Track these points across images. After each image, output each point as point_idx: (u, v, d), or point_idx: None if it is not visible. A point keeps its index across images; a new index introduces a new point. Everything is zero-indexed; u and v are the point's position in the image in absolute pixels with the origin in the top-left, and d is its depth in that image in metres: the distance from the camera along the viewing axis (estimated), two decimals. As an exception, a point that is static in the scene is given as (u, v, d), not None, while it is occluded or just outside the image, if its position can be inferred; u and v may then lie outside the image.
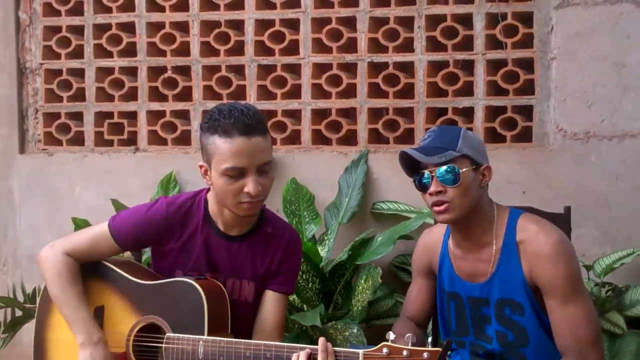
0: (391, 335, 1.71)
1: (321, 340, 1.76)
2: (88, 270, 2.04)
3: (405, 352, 1.67)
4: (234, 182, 1.90)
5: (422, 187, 1.98)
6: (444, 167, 1.94)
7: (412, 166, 2.00)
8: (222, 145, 1.89)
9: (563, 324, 1.91)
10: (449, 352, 2.16)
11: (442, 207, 1.96)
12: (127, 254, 2.50)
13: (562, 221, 2.30)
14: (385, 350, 1.69)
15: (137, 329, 1.98)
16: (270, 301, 2.05)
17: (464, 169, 1.95)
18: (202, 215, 2.04)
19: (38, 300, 2.10)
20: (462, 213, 1.96)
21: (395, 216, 3.05)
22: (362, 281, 2.84)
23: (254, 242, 2.05)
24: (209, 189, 2.05)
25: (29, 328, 2.16)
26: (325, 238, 3.02)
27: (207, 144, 1.93)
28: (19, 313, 2.98)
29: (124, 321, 1.99)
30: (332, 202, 3.11)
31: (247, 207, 1.93)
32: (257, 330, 2.04)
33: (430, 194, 1.96)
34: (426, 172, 1.96)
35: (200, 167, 1.99)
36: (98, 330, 1.96)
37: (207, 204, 2.05)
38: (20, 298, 3.01)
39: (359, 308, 2.80)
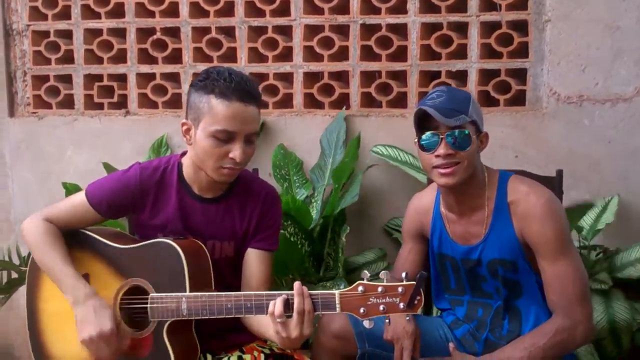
0: (366, 274, 1.73)
1: (296, 284, 1.76)
2: (70, 240, 2.04)
3: (380, 289, 1.69)
4: (221, 145, 1.89)
5: (426, 148, 1.97)
6: (458, 131, 1.93)
7: (420, 124, 1.98)
8: (218, 107, 1.88)
9: (552, 281, 1.94)
10: (441, 309, 2.22)
11: (449, 170, 1.95)
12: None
13: (553, 184, 2.32)
14: (360, 288, 1.70)
15: (122, 292, 1.98)
16: (254, 259, 2.05)
17: (473, 135, 1.96)
18: (177, 180, 2.03)
19: (27, 270, 2.11)
20: (465, 177, 1.98)
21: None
22: (343, 239, 2.85)
23: (230, 203, 2.05)
24: (183, 154, 2.05)
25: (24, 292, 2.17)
26: (313, 200, 3.02)
27: (198, 102, 1.91)
28: (14, 276, 3.00)
29: (109, 286, 1.99)
30: (316, 163, 3.09)
31: (227, 172, 1.93)
32: (244, 290, 2.04)
33: (438, 156, 1.95)
34: (432, 133, 1.94)
35: (183, 124, 1.96)
36: (84, 285, 1.95)
37: (181, 168, 2.04)
38: (16, 261, 3.03)
39: (340, 265, 2.84)
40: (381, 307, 1.69)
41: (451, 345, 2.06)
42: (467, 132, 1.94)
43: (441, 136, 1.93)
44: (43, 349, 2.07)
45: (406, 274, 1.71)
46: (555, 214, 1.96)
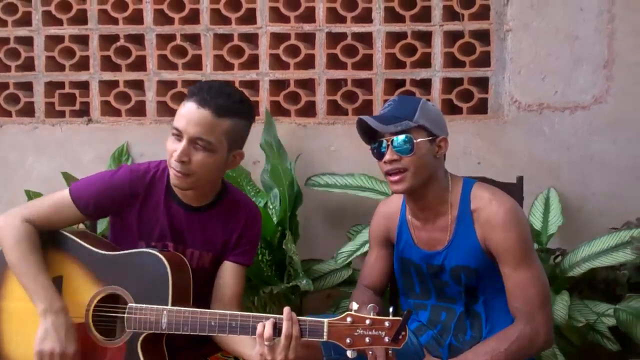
0: (354, 305, 1.76)
1: (286, 309, 1.79)
2: (46, 239, 2.00)
3: (368, 321, 1.73)
4: (173, 143, 1.91)
5: (379, 155, 2.02)
6: (400, 137, 1.97)
7: (371, 134, 2.03)
8: (180, 107, 1.95)
9: (514, 287, 1.98)
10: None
11: (396, 178, 1.99)
12: (81, 225, 2.46)
13: (514, 190, 2.37)
14: (349, 319, 1.74)
15: (97, 299, 1.95)
16: (229, 272, 2.05)
17: (419, 139, 1.98)
18: (165, 185, 2.03)
19: None
20: (416, 183, 2.00)
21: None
22: (289, 245, 2.85)
23: (214, 214, 2.05)
24: None
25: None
26: (271, 206, 2.99)
27: None
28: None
29: (84, 291, 1.95)
30: (263, 169, 3.07)
31: (174, 173, 1.93)
32: (215, 300, 2.04)
33: (385, 162, 1.99)
34: (383, 141, 1.99)
35: None
36: (59, 298, 1.92)
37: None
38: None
39: (299, 270, 2.84)
40: (367, 339, 1.72)
41: (425, 350, 2.09)
42: (408, 137, 1.97)
43: (387, 143, 1.98)
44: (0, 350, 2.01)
45: (393, 309, 1.76)
46: (517, 222, 1.99)
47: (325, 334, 1.75)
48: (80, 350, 1.92)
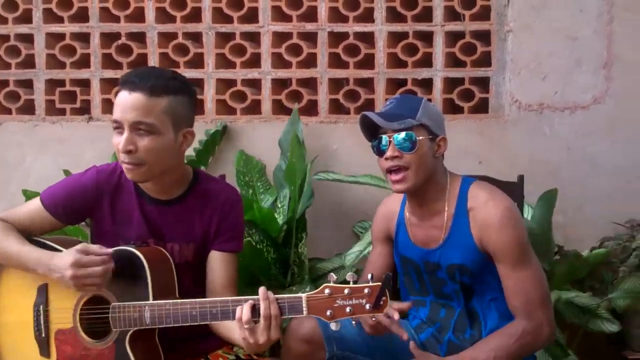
0: (333, 277, 1.74)
1: (261, 289, 1.75)
2: None
3: (346, 291, 1.70)
4: (116, 137, 1.90)
5: (380, 152, 2.03)
6: (402, 134, 1.99)
7: (372, 131, 2.05)
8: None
9: (513, 287, 1.99)
10: (407, 312, 2.24)
11: (398, 177, 2.01)
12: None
13: (515, 190, 2.38)
14: (327, 291, 1.71)
15: (82, 302, 1.94)
16: (217, 261, 2.03)
17: (420, 137, 2.00)
18: (133, 183, 2.00)
19: None
20: (418, 182, 2.02)
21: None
22: (303, 246, 2.86)
23: (187, 205, 2.02)
24: None
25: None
26: (280, 205, 2.99)
27: None
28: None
29: (69, 296, 1.94)
30: (276, 166, 3.08)
31: (126, 167, 1.90)
32: (209, 292, 2.02)
33: (387, 159, 2.01)
34: (384, 137, 2.01)
35: None
36: (47, 252, 1.90)
37: None
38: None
39: (305, 271, 2.85)
40: (348, 309, 1.70)
41: (412, 344, 2.08)
42: (410, 134, 1.99)
43: (389, 139, 1.99)
44: None
45: (372, 276, 1.73)
46: (513, 221, 2.00)
47: (304, 309, 1.72)
48: (72, 355, 1.92)
